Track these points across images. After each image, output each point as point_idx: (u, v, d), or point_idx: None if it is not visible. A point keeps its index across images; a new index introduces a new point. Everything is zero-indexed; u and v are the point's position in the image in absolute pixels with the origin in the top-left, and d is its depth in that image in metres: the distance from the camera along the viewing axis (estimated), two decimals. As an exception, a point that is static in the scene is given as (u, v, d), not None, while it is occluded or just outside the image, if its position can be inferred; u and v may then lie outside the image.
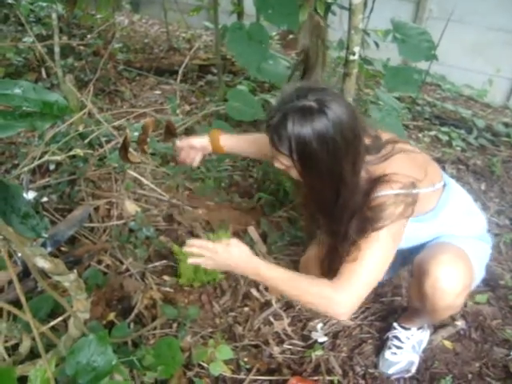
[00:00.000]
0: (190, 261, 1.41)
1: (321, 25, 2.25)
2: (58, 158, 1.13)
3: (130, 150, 1.27)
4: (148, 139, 1.35)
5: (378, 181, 1.38)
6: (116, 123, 2.06)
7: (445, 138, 3.65)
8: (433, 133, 3.72)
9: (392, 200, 1.34)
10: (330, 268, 1.59)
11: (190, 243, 1.41)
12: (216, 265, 1.41)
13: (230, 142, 1.80)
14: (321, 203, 1.49)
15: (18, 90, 0.84)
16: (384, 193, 1.35)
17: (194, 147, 1.77)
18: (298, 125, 1.26)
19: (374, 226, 1.34)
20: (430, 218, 1.55)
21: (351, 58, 1.75)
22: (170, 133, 1.41)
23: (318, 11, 2.24)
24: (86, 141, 2.38)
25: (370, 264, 1.35)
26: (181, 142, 1.76)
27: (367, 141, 1.41)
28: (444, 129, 3.77)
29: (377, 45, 2.36)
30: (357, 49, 1.74)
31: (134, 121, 3.03)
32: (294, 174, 1.40)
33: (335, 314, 1.37)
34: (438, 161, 3.17)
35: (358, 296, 1.35)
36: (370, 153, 1.41)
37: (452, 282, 1.45)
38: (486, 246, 1.68)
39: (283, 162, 1.37)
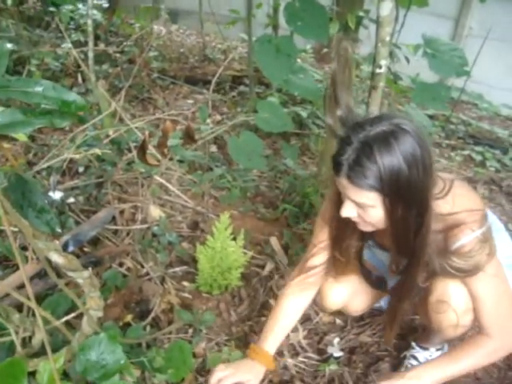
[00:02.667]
0: None
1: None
2: (77, 156, 1.16)
3: (149, 151, 1.29)
4: (168, 142, 1.37)
5: (452, 223, 1.28)
6: (138, 124, 2.08)
7: (478, 157, 3.57)
8: (466, 152, 3.65)
9: (478, 244, 1.26)
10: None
11: None
12: None
13: (275, 343, 1.60)
14: (402, 238, 1.31)
15: (38, 88, 0.87)
16: (468, 239, 1.26)
17: None
18: (386, 152, 1.12)
19: (469, 272, 1.30)
20: None
21: (377, 71, 1.74)
22: (190, 137, 1.43)
23: (350, 24, 2.24)
24: (107, 140, 2.40)
25: (498, 300, 1.35)
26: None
27: None
28: (478, 148, 3.70)
29: (407, 60, 2.34)
30: (383, 62, 1.73)
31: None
32: (374, 214, 1.24)
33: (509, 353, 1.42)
34: (470, 181, 3.10)
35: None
36: None
37: (456, 299, 1.41)
38: None
39: (362, 204, 1.22)
